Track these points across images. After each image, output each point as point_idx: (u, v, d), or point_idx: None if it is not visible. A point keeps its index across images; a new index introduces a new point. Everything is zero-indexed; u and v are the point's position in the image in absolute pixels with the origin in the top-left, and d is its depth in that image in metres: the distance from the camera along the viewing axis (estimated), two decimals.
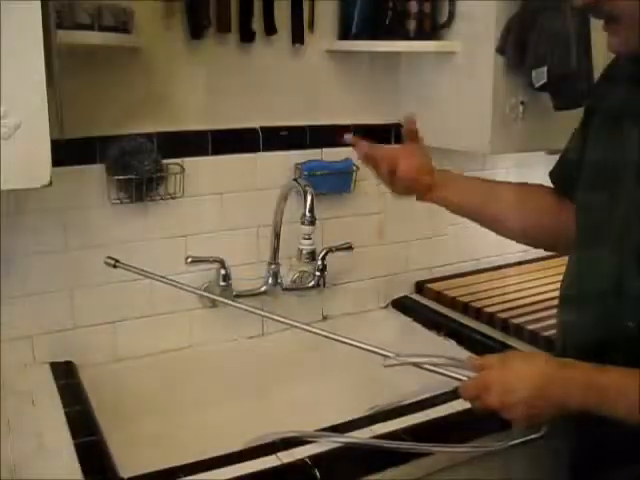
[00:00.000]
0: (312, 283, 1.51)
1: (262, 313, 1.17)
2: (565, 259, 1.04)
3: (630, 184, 0.89)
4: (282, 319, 1.10)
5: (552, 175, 1.11)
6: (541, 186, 1.12)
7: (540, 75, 1.28)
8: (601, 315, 0.90)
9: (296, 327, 1.09)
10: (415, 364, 0.97)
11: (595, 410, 0.84)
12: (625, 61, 0.95)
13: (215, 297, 1.29)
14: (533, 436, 0.98)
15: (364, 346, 1.01)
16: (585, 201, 0.97)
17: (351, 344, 1.02)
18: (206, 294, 1.32)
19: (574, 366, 0.87)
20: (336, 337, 1.03)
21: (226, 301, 1.20)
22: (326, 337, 1.03)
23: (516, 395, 0.87)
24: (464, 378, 0.93)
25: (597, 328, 0.91)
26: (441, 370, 0.95)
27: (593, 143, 0.98)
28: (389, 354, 0.97)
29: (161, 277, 1.16)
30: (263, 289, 1.46)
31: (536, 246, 1.21)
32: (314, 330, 1.06)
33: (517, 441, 1.00)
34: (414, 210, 1.65)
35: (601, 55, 1.09)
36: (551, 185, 1.11)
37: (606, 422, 0.85)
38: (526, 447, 1.15)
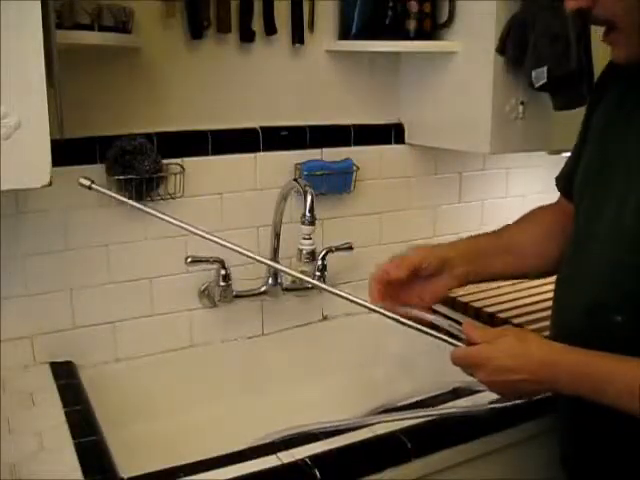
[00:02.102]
0: None
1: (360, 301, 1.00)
2: None
3: (623, 182, 0.89)
4: (394, 314, 0.97)
5: (558, 181, 1.11)
6: (540, 207, 1.14)
7: (540, 75, 1.28)
8: (591, 309, 0.91)
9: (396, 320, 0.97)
10: (404, 323, 0.95)
11: (584, 395, 0.85)
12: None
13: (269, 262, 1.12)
14: (517, 402, 0.98)
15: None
16: (581, 199, 0.98)
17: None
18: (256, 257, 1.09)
19: (565, 351, 0.88)
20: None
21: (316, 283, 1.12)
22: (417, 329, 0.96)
23: (505, 376, 0.88)
24: (460, 344, 0.93)
25: (587, 317, 0.92)
26: (434, 333, 0.94)
27: (592, 141, 0.98)
28: (459, 344, 0.93)
29: (148, 208, 1.03)
30: (263, 289, 1.46)
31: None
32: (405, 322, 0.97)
33: (497, 406, 1.00)
34: (414, 211, 1.65)
35: (601, 55, 1.09)
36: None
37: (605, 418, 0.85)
38: (527, 445, 1.16)
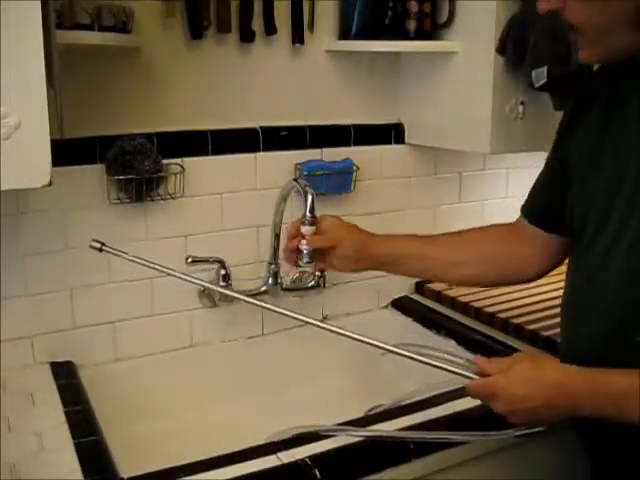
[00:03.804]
0: (312, 283, 1.51)
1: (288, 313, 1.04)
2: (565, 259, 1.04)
3: (625, 205, 0.87)
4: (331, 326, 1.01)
5: (528, 211, 1.10)
6: (490, 225, 1.17)
7: (540, 75, 1.28)
8: (608, 327, 0.89)
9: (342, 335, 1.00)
10: (420, 361, 0.95)
11: (605, 415, 0.84)
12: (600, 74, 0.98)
13: (211, 286, 1.24)
14: (538, 429, 0.97)
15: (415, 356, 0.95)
16: (586, 207, 0.95)
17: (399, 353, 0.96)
18: (203, 283, 1.20)
19: (582, 374, 0.86)
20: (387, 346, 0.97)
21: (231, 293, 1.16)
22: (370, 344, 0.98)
23: (523, 404, 0.87)
24: (475, 377, 0.92)
25: (604, 343, 0.89)
26: (448, 366, 0.94)
27: (583, 153, 0.96)
28: (475, 377, 0.93)
29: (153, 264, 1.08)
30: (263, 289, 1.46)
31: (491, 281, 1.19)
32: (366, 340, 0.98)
33: (522, 432, 0.99)
34: (414, 211, 1.65)
35: None
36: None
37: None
38: (527, 445, 1.15)
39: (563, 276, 1.03)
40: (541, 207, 1.07)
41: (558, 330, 1.04)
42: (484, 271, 1.12)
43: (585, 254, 0.94)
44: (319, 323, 1.01)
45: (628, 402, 0.81)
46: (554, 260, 1.09)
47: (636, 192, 0.86)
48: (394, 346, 0.96)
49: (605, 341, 0.89)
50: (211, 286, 1.28)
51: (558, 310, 1.04)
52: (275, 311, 1.02)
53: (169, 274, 1.08)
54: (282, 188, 1.37)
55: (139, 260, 1.06)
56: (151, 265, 1.06)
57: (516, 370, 0.89)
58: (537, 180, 1.09)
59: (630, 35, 0.83)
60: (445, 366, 0.94)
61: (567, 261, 1.02)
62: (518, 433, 0.96)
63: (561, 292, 1.03)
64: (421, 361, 0.95)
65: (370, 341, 0.96)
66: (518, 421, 0.92)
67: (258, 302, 1.05)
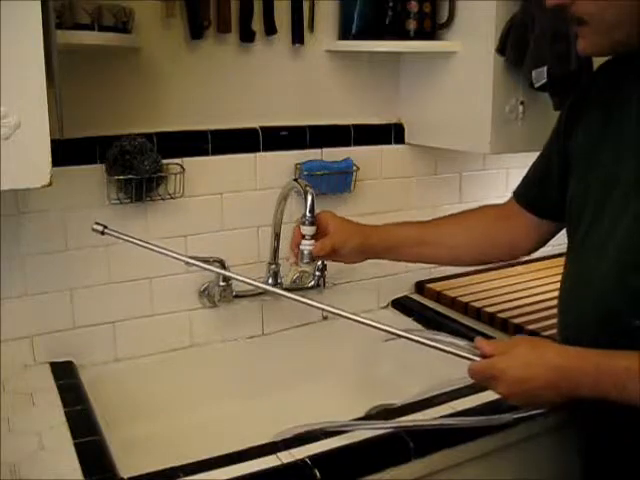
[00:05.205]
0: (312, 283, 1.51)
1: (323, 307, 1.09)
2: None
3: (621, 196, 0.89)
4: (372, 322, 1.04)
5: (517, 193, 1.13)
6: (481, 206, 1.21)
7: (540, 75, 1.28)
8: (606, 314, 0.90)
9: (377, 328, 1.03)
10: (422, 342, 0.97)
11: (606, 396, 0.84)
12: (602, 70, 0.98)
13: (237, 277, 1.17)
14: (537, 411, 0.97)
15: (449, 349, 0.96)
16: (580, 212, 0.96)
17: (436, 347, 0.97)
18: (223, 272, 1.26)
19: (583, 356, 0.87)
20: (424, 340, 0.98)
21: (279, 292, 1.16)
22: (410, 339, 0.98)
23: (524, 386, 0.88)
24: (476, 359, 0.93)
25: (602, 327, 0.90)
26: (449, 349, 0.95)
27: (584, 150, 0.97)
28: (476, 358, 0.93)
29: (156, 246, 1.07)
30: None
31: (486, 260, 1.28)
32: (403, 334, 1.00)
33: (521, 415, 0.99)
34: (414, 211, 1.65)
35: None
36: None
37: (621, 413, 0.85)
38: (527, 445, 1.16)
39: (561, 276, 1.03)
40: (535, 195, 1.10)
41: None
42: (477, 253, 1.18)
43: (582, 245, 0.96)
44: (373, 323, 1.04)
45: (628, 383, 0.82)
46: (542, 240, 1.13)
47: (632, 187, 0.88)
48: (404, 331, 0.98)
49: (601, 327, 0.90)
50: (226, 273, 1.25)
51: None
52: (317, 307, 1.05)
53: (174, 257, 1.07)
54: (282, 188, 1.37)
55: (145, 244, 1.06)
56: (157, 249, 1.06)
57: (517, 353, 0.90)
58: (532, 167, 1.11)
59: (633, 31, 0.84)
60: (448, 348, 0.95)
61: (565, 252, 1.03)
62: (516, 416, 0.97)
63: None
64: (425, 343, 0.96)
65: (378, 325, 1.00)
66: (519, 403, 0.93)
67: (292, 295, 1.05)
